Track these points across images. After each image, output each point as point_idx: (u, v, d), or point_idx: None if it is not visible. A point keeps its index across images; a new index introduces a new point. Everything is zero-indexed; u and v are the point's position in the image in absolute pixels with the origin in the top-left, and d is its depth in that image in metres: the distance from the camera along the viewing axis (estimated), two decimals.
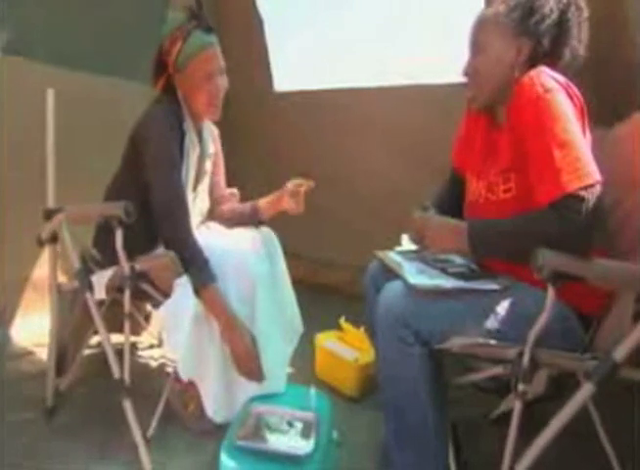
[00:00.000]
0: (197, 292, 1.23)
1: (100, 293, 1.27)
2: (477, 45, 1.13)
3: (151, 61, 1.39)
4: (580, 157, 0.94)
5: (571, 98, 0.99)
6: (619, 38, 1.47)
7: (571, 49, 1.08)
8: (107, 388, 1.33)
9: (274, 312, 1.40)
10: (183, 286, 1.25)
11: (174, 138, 1.34)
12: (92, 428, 1.40)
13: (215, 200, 1.61)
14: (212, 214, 1.61)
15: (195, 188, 1.48)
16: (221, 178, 1.63)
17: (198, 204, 1.52)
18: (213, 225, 1.56)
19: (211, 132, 1.58)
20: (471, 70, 1.14)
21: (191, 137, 1.41)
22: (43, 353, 1.65)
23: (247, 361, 1.26)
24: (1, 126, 1.80)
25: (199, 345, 1.26)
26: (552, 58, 1.08)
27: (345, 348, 1.69)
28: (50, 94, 1.36)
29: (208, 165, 1.53)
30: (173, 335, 1.26)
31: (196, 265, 1.24)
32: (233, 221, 1.55)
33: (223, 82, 1.40)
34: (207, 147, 1.51)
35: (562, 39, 1.07)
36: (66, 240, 1.32)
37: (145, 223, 1.28)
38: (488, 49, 1.10)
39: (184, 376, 1.28)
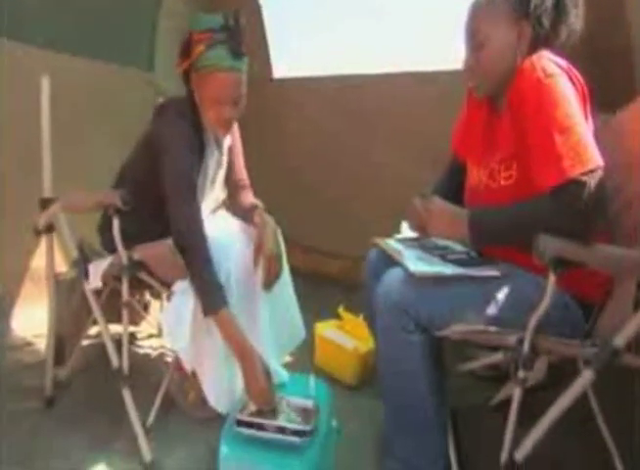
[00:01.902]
0: (207, 314, 1.18)
1: (95, 281, 1.26)
2: (477, 37, 1.08)
3: (148, 46, 1.35)
4: (582, 141, 0.92)
5: (572, 82, 0.98)
6: (619, 23, 1.46)
7: (569, 25, 1.06)
8: (106, 377, 1.33)
9: (274, 308, 1.39)
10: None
11: (194, 156, 1.30)
12: (92, 417, 1.40)
13: (233, 185, 1.56)
14: (230, 201, 1.56)
15: (212, 185, 1.46)
16: (238, 163, 1.56)
17: (214, 193, 1.49)
18: (224, 214, 1.55)
19: None
20: (473, 63, 1.10)
21: (211, 148, 1.38)
22: (43, 344, 1.64)
23: (260, 395, 1.17)
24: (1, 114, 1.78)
25: (198, 335, 1.25)
26: (551, 36, 1.06)
27: (345, 336, 1.70)
28: (45, 81, 1.33)
29: (225, 159, 1.50)
30: (175, 327, 1.25)
31: (210, 290, 1.19)
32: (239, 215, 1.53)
33: (234, 112, 1.30)
34: (225, 145, 1.48)
35: (561, 17, 1.05)
36: (62, 229, 1.32)
37: (158, 215, 1.26)
38: (491, 40, 1.06)
39: (189, 366, 1.27)
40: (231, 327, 1.18)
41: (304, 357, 1.75)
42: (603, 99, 1.05)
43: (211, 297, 1.18)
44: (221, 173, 1.50)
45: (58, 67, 1.80)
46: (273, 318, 1.38)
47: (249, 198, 1.53)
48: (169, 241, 1.27)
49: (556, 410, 0.89)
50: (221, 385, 1.28)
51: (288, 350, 1.49)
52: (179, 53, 1.29)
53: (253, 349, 1.19)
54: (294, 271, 1.51)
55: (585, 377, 0.87)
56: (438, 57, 2.05)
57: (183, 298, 1.25)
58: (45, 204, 1.33)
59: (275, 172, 2.67)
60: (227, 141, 1.49)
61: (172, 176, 1.25)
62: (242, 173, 1.57)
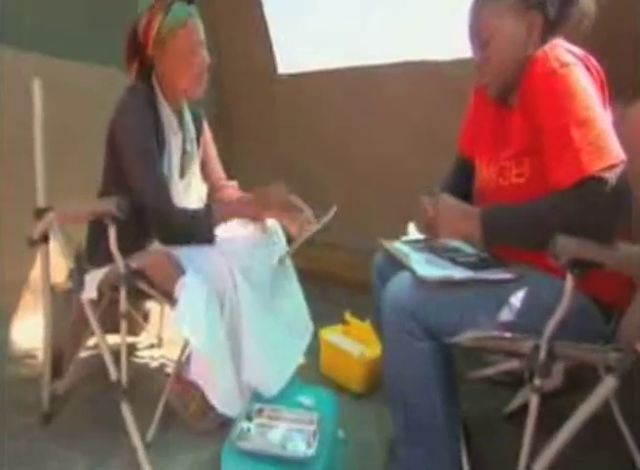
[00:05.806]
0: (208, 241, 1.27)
1: (91, 291, 1.23)
2: (484, 35, 1.03)
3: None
4: (602, 134, 0.87)
5: (589, 71, 0.93)
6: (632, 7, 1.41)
7: (580, 7, 1.00)
8: (106, 390, 1.30)
9: (278, 311, 1.35)
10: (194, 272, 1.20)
11: (149, 128, 1.29)
12: (91, 431, 1.37)
13: (213, 186, 1.57)
14: (211, 200, 1.56)
15: (183, 175, 1.43)
16: (215, 164, 1.58)
17: (194, 190, 1.47)
18: None
19: (195, 116, 1.51)
20: (482, 62, 1.05)
21: (170, 122, 1.36)
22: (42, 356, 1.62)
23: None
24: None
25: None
26: (562, 22, 1.01)
27: (351, 342, 1.65)
28: (36, 84, 1.29)
29: (194, 149, 1.48)
30: (191, 321, 1.17)
31: (201, 236, 1.26)
32: None
33: (206, 56, 1.35)
34: (189, 130, 1.46)
35: (569, 2, 1.00)
36: (58, 239, 1.28)
37: (135, 218, 1.21)
38: (499, 35, 1.01)
39: (204, 361, 1.20)
40: (231, 213, 1.32)
41: (310, 364, 1.70)
42: (618, 88, 1.00)
43: (200, 229, 1.25)
44: (194, 162, 1.48)
45: (51, 71, 1.77)
46: (283, 318, 1.35)
47: (235, 193, 1.54)
48: (165, 248, 1.23)
49: (577, 419, 0.85)
50: (229, 387, 1.23)
51: (302, 348, 1.43)
52: (129, 49, 1.32)
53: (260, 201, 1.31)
54: (298, 270, 1.47)
55: (608, 384, 0.82)
56: (448, 46, 1.96)
57: (193, 288, 1.18)
58: (40, 214, 1.29)
59: (282, 167, 2.63)
60: (193, 132, 1.46)
61: (129, 148, 1.26)
62: (219, 172, 1.58)
